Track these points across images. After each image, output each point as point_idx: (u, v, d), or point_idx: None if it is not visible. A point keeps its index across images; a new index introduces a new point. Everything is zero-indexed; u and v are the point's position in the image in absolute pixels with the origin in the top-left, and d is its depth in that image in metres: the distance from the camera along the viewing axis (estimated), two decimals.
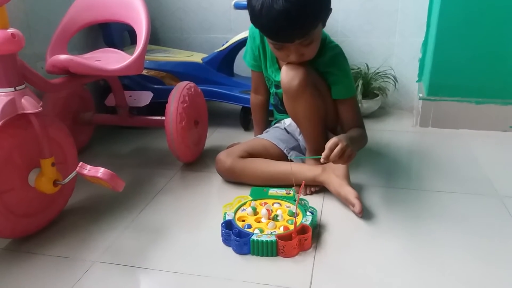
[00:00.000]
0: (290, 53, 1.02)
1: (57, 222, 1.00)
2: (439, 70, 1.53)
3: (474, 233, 0.93)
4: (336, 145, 0.95)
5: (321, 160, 0.96)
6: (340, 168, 1.07)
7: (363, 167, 1.26)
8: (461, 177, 1.20)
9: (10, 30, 0.83)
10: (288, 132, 1.25)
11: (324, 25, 1.03)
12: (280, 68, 1.14)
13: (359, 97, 1.62)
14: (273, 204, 1.00)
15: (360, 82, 1.64)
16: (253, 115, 1.36)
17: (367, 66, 1.73)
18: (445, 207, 1.04)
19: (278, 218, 0.93)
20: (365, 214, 1.00)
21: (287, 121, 1.25)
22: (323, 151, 0.97)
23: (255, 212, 0.96)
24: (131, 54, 1.11)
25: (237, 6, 1.48)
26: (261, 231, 0.89)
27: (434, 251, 0.88)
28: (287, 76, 1.05)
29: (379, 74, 1.73)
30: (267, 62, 1.20)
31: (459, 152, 1.37)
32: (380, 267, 0.83)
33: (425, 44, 1.65)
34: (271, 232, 0.88)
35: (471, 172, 1.23)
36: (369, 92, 1.71)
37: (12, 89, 0.85)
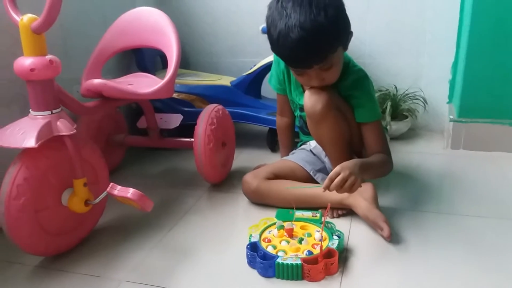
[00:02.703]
0: (311, 79, 1.03)
1: (88, 241, 1.03)
2: (470, 91, 1.50)
3: (509, 259, 0.90)
4: (337, 174, 0.94)
5: (322, 190, 0.96)
6: (368, 191, 1.05)
7: (392, 190, 1.23)
8: (495, 201, 1.16)
9: (48, 56, 0.88)
10: (314, 154, 1.25)
11: (345, 49, 1.04)
12: (304, 92, 1.15)
13: (388, 118, 1.60)
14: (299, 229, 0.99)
15: (389, 103, 1.63)
16: (279, 137, 1.37)
17: (396, 87, 1.72)
18: (478, 233, 1.01)
19: (302, 242, 0.92)
20: (393, 238, 0.98)
21: (313, 143, 1.25)
22: None
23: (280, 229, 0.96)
24: (163, 78, 1.14)
25: (265, 31, 1.50)
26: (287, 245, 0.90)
27: (466, 278, 0.84)
28: (310, 100, 1.05)
29: (408, 95, 1.71)
30: (291, 86, 1.21)
31: (492, 175, 1.33)
32: None
33: (455, 65, 1.63)
34: (296, 255, 0.88)
35: (505, 196, 1.18)
36: (398, 114, 1.69)
37: (49, 112, 0.89)
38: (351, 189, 0.96)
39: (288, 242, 0.93)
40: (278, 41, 0.96)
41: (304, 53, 0.95)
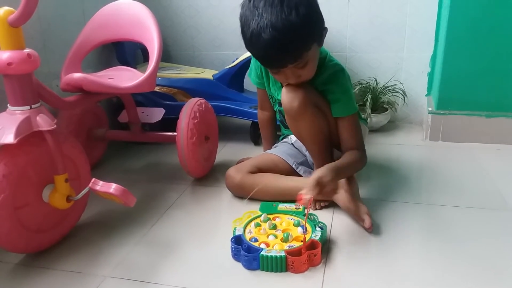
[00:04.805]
0: (287, 77, 1.02)
1: (70, 237, 1.02)
2: (448, 84, 1.53)
3: (486, 248, 0.93)
4: (316, 186, 0.95)
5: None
6: (349, 183, 1.07)
7: (373, 182, 1.26)
8: (471, 191, 1.19)
9: (26, 50, 0.86)
10: (295, 147, 1.26)
11: (320, 45, 1.03)
12: (282, 86, 1.15)
13: (368, 111, 1.62)
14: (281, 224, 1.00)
15: (369, 96, 1.65)
16: (261, 130, 1.37)
17: (376, 80, 1.74)
18: (456, 222, 1.04)
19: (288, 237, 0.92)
20: (375, 229, 1.00)
21: (294, 137, 1.26)
22: None
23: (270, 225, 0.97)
24: (144, 71, 1.13)
25: None
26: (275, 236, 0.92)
27: (444, 266, 0.87)
28: (287, 97, 1.05)
29: (388, 88, 1.73)
30: (269, 81, 1.21)
31: (469, 166, 1.37)
32: (390, 283, 0.83)
33: (433, 58, 1.66)
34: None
35: (482, 186, 1.22)
36: (378, 107, 1.72)
37: (28, 107, 0.88)
38: (321, 196, 1.00)
39: (275, 236, 0.94)
40: (251, 41, 0.95)
41: (277, 53, 0.94)
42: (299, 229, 0.94)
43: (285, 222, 0.98)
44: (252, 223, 0.98)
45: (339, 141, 1.17)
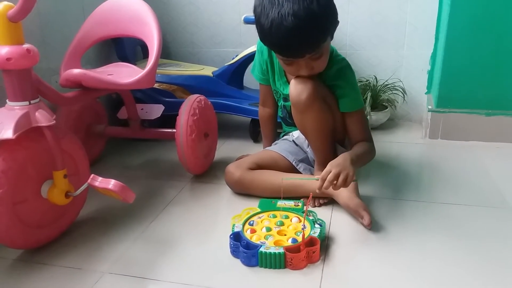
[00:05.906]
0: (301, 68, 1.03)
1: (69, 233, 1.02)
2: (448, 82, 1.53)
3: (486, 246, 0.93)
4: (328, 173, 0.96)
5: (317, 190, 0.97)
6: None
7: (372, 179, 1.26)
8: (471, 189, 1.19)
9: (26, 45, 0.86)
10: (296, 145, 1.26)
11: (332, 38, 1.04)
12: (288, 82, 1.15)
13: (368, 109, 1.62)
14: (291, 220, 1.00)
15: (369, 94, 1.65)
16: (261, 127, 1.37)
17: (376, 78, 1.74)
18: (456, 220, 1.04)
19: (268, 238, 0.92)
20: (374, 226, 1.00)
21: (295, 134, 1.26)
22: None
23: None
24: (143, 68, 1.13)
25: (247, 21, 1.50)
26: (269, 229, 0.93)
27: (444, 264, 0.87)
28: (296, 89, 1.06)
29: (388, 86, 1.73)
30: (275, 76, 1.21)
31: (469, 164, 1.37)
32: (389, 280, 0.83)
33: (433, 56, 1.65)
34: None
35: (482, 184, 1.22)
36: (378, 104, 1.71)
37: (27, 102, 0.88)
38: (345, 184, 0.97)
39: (268, 230, 0.94)
40: (271, 30, 0.95)
41: (297, 41, 0.95)
42: (290, 240, 0.90)
43: (292, 226, 0.96)
44: (271, 214, 1.01)
45: (343, 136, 1.18)
